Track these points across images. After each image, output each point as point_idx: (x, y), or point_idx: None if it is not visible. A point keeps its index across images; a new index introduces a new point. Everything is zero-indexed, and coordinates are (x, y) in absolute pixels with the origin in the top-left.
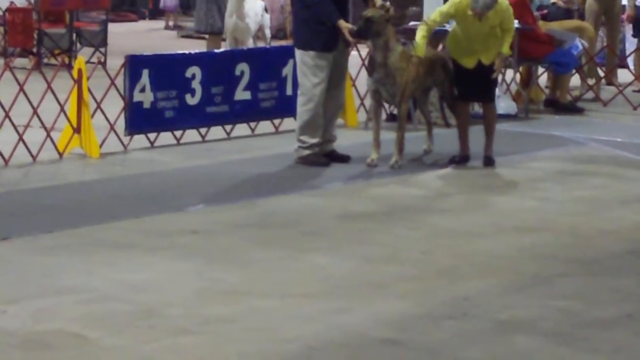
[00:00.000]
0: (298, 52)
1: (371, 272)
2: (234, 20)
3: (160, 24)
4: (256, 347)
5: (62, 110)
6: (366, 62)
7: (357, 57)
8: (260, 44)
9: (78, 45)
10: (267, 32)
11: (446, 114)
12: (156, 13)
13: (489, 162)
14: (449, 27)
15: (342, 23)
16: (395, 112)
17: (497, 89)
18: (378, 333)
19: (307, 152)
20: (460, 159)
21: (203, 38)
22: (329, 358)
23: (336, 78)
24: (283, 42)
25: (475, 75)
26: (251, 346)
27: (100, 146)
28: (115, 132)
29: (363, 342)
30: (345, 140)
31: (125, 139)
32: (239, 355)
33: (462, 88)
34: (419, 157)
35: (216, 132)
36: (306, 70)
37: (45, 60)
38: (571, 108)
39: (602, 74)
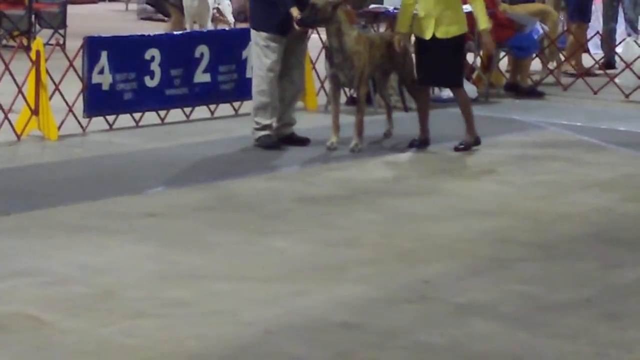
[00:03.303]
0: (252, 33)
1: (331, 256)
2: (195, 4)
3: (120, 5)
4: (214, 330)
5: (20, 92)
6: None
7: (317, 41)
8: (222, 27)
9: (37, 27)
10: (230, 17)
11: (405, 99)
12: None
13: (460, 147)
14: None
15: (294, 10)
16: (355, 95)
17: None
18: (337, 316)
19: (260, 133)
20: (421, 143)
21: (163, 20)
22: (287, 341)
23: (294, 61)
24: (244, 25)
25: (436, 56)
26: (209, 329)
27: (59, 128)
28: (73, 114)
29: (322, 326)
30: (305, 123)
31: (84, 121)
32: (197, 338)
33: (424, 72)
34: (379, 141)
35: (175, 114)
36: (259, 52)
37: (4, 42)
38: (531, 92)
39: (562, 58)
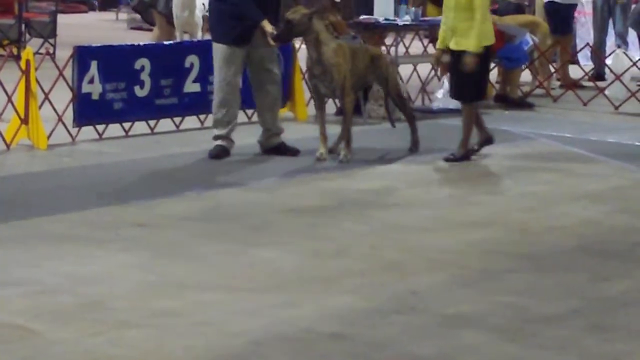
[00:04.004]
0: (213, 45)
1: (319, 267)
2: (186, 14)
3: (110, 15)
4: (202, 341)
5: (10, 101)
6: None
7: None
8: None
9: (27, 36)
10: None
11: (391, 113)
12: (106, 4)
13: (450, 157)
14: None
15: (266, 25)
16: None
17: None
18: (325, 328)
19: (214, 142)
20: (482, 144)
21: (151, 30)
22: (275, 352)
23: (263, 72)
24: None
25: (452, 68)
26: (197, 340)
27: (48, 138)
28: (63, 123)
29: (310, 337)
30: (295, 133)
31: (74, 131)
32: (184, 349)
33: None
34: (369, 151)
35: (165, 124)
36: (217, 63)
37: None
38: (521, 103)
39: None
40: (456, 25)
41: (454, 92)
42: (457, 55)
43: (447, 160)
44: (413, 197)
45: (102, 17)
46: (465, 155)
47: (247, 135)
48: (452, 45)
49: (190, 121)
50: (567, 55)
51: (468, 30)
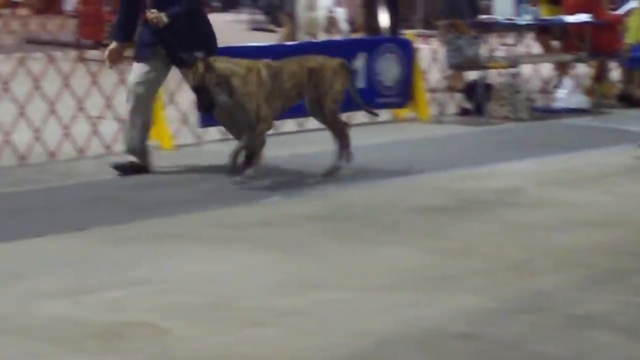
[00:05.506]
0: None
1: (444, 266)
2: (309, 14)
3: (231, 16)
4: (331, 339)
5: None
6: None
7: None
8: (335, 37)
9: None
10: (344, 25)
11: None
12: (227, 6)
13: None
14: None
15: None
16: (466, 106)
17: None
18: (453, 327)
19: None
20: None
21: (274, 31)
22: (404, 351)
23: None
24: (352, 35)
25: None
26: (325, 339)
27: (174, 138)
28: (188, 124)
29: (438, 336)
30: (417, 133)
31: (199, 132)
32: (314, 348)
33: None
34: (494, 151)
35: (290, 124)
36: None
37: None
38: None
39: None
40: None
41: None
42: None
43: None
44: (539, 197)
45: (222, 18)
46: None
47: (368, 136)
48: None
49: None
50: None
51: None
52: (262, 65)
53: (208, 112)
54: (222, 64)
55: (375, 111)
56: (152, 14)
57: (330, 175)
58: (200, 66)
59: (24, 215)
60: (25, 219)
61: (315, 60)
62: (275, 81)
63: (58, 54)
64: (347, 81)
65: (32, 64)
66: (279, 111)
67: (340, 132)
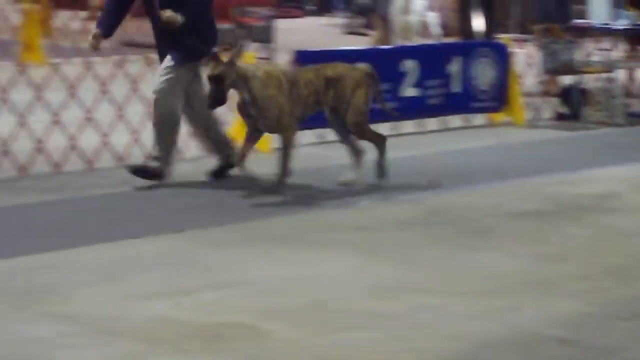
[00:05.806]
0: None
1: (540, 271)
2: (404, 18)
3: (325, 20)
4: (426, 344)
5: None
6: None
7: None
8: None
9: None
10: (436, 30)
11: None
12: (322, 10)
13: None
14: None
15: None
16: (562, 111)
17: None
18: (551, 332)
19: None
20: None
21: (366, 34)
22: (501, 356)
23: None
24: (444, 39)
25: None
26: (421, 344)
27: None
28: None
29: (535, 341)
30: (512, 137)
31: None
32: (410, 352)
33: None
34: (589, 156)
35: (382, 127)
36: None
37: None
38: None
39: None
40: None
41: None
42: None
43: None
44: (635, 202)
45: (316, 22)
46: None
47: (462, 140)
48: None
49: (408, 125)
50: None
51: None
52: (280, 72)
53: (216, 107)
54: (243, 63)
55: (397, 114)
56: (166, 14)
57: (345, 186)
58: (223, 59)
59: (119, 217)
60: (120, 221)
61: (335, 69)
62: (293, 88)
63: (155, 56)
64: (373, 90)
65: (130, 66)
66: (299, 119)
67: (374, 143)
